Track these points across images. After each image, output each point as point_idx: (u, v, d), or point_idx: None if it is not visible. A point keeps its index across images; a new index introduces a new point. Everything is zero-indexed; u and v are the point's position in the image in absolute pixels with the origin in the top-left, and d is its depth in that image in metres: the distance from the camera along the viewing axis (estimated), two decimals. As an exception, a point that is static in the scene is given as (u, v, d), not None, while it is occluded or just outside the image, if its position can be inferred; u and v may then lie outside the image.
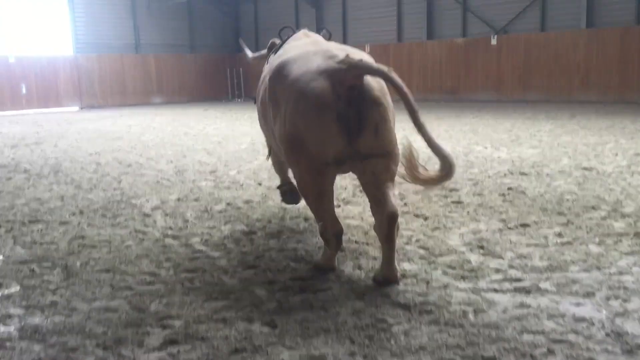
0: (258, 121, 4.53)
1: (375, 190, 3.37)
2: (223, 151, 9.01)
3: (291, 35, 4.52)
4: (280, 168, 4.89)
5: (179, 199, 5.67)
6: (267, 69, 4.16)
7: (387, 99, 3.44)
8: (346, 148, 3.27)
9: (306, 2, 22.82)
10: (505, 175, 6.24)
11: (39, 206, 5.52)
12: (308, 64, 3.44)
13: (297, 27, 5.28)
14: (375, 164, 3.32)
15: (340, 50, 3.50)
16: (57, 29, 21.55)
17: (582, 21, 15.91)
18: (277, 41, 4.78)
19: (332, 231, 3.47)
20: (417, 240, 4.04)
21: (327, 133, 3.24)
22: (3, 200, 5.84)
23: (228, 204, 5.42)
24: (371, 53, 20.82)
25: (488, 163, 7.03)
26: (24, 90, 20.42)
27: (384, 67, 3.21)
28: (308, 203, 3.65)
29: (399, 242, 3.74)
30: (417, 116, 3.19)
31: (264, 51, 5.24)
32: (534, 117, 12.48)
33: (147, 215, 5.08)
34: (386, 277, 3.28)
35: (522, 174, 6.27)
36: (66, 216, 5.12)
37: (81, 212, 5.24)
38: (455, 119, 12.94)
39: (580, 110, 13.74)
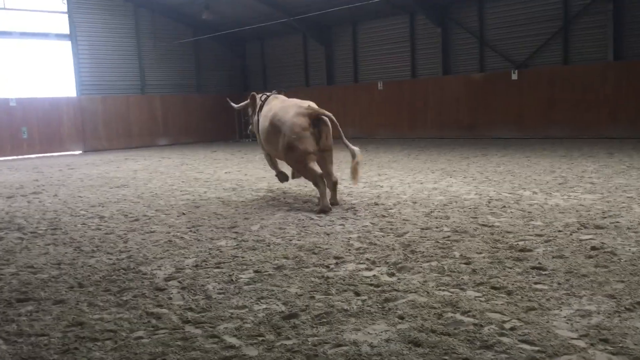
0: (260, 143, 8.27)
1: (325, 167, 7.03)
2: (240, 200, 8.14)
3: (268, 97, 8.04)
4: (273, 164, 8.55)
5: (197, 265, 4.77)
6: (265, 116, 7.59)
7: (329, 125, 6.97)
8: (315, 147, 6.89)
9: (315, 40, 22.29)
10: (578, 229, 5.33)
11: (30, 277, 4.62)
12: (290, 110, 7.08)
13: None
14: (327, 154, 7.08)
15: (298, 103, 7.25)
16: (60, 71, 20.98)
17: (609, 54, 15.18)
18: (257, 95, 8.39)
19: (318, 176, 6.84)
20: (513, 329, 3.11)
21: (307, 140, 6.84)
22: (-11, 268, 4.95)
23: (257, 271, 4.51)
24: (385, 89, 20.23)
25: (549, 213, 6.13)
26: (25, 135, 19.72)
27: (326, 112, 6.98)
28: (302, 171, 7.13)
29: (490, 330, 2.99)
30: (341, 133, 7.00)
31: (245, 102, 8.86)
32: (570, 155, 11.62)
33: (160, 289, 4.17)
34: (333, 202, 7.02)
35: (597, 227, 5.36)
36: (62, 291, 4.22)
37: (80, 285, 4.34)
38: (483, 157, 12.09)
39: (614, 147, 12.89)
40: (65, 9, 20.76)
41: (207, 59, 24.79)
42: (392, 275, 4.23)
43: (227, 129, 24.98)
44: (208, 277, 4.41)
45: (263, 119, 7.63)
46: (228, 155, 16.79)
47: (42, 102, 20.19)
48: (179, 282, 4.33)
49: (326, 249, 5.10)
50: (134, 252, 5.33)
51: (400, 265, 4.46)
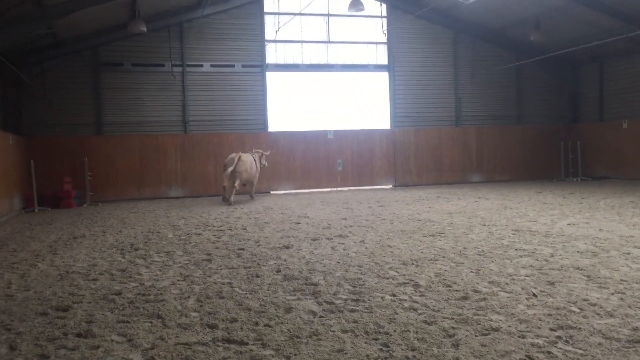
0: (240, 173, 14.98)
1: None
2: (615, 277, 5.40)
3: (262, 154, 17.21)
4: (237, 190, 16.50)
5: None
6: (250, 157, 15.78)
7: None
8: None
9: (676, 57, 17.68)
10: None
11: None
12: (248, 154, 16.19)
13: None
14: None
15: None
16: (375, 102, 20.55)
17: None
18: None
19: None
20: None
21: (257, 168, 16.19)
22: (260, 373, 3.32)
23: None
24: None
25: None
26: (339, 167, 19.66)
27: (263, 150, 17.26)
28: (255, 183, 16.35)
29: None
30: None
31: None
32: None
33: None
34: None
35: None
36: None
37: None
38: None
39: None
40: (385, 40, 20.34)
41: (530, 86, 21.91)
42: None
43: (550, 165, 21.65)
44: None
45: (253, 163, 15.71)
46: (559, 198, 13.74)
47: (356, 134, 19.96)
48: None
49: None
50: (472, 376, 3.17)
51: None
